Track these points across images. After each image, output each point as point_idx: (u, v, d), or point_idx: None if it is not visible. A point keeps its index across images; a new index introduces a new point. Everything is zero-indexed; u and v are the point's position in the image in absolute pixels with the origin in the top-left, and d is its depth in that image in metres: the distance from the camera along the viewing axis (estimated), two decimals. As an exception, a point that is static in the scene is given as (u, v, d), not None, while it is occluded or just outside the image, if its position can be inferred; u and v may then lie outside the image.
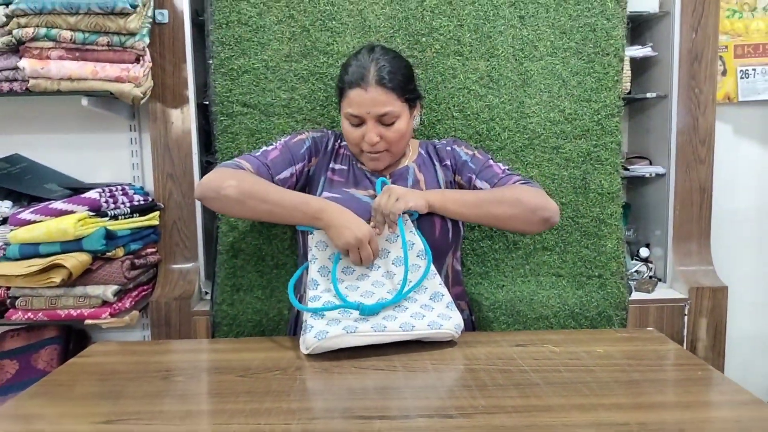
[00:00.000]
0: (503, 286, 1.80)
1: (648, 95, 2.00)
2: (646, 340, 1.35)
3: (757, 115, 2.21)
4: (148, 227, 1.91)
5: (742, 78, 2.15)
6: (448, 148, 1.58)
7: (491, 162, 1.53)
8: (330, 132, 1.59)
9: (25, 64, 1.68)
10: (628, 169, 2.02)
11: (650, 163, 2.09)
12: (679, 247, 2.03)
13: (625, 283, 1.80)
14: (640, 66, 2.10)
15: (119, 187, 1.88)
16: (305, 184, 1.53)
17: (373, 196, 1.46)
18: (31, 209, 1.71)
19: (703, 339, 1.96)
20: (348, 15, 1.75)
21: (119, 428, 0.95)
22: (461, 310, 1.50)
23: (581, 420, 0.94)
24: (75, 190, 1.88)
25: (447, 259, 1.49)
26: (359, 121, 1.43)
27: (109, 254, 1.74)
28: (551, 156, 1.78)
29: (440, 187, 1.52)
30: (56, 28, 1.68)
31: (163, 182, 1.95)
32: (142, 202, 1.91)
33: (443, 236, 1.44)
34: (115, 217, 1.77)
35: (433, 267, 1.36)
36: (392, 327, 1.24)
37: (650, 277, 2.07)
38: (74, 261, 1.66)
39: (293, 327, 1.58)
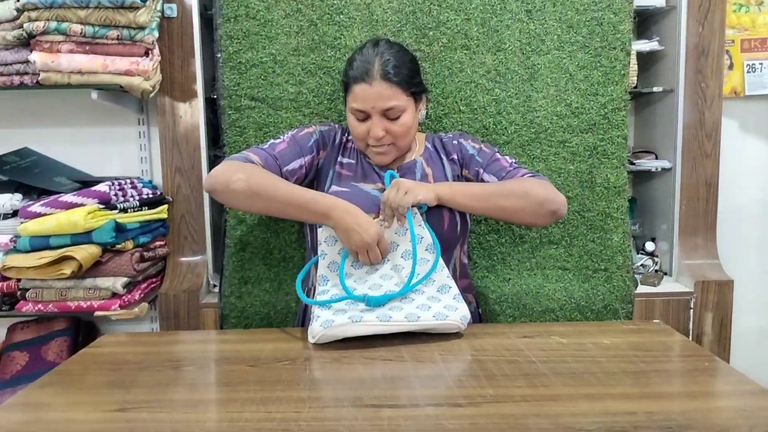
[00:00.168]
0: (509, 279, 1.80)
1: (654, 89, 2.00)
2: (653, 332, 1.36)
3: (763, 109, 2.21)
4: (157, 220, 1.93)
5: (748, 72, 2.15)
6: (455, 142, 1.58)
7: (498, 155, 1.54)
8: (337, 126, 1.60)
9: (36, 57, 1.70)
10: (634, 164, 2.02)
11: (656, 158, 2.09)
12: (685, 241, 2.03)
13: (631, 276, 1.81)
14: (646, 60, 2.10)
15: (128, 181, 1.89)
16: (314, 177, 1.54)
17: (382, 190, 1.47)
18: (42, 202, 1.73)
19: (709, 332, 1.96)
20: (355, 9, 1.76)
21: (132, 416, 0.96)
22: (468, 303, 1.51)
23: (589, 409, 0.95)
24: (84, 183, 1.89)
25: (455, 252, 1.50)
26: (364, 116, 1.43)
27: (118, 247, 1.75)
28: (558, 150, 1.79)
29: (448, 181, 1.53)
30: (66, 21, 1.69)
31: (172, 176, 1.96)
32: (150, 196, 1.93)
33: (451, 229, 1.45)
34: (124, 210, 1.79)
35: (441, 260, 1.37)
36: (397, 317, 1.25)
37: (656, 270, 2.07)
38: (84, 253, 1.67)
39: (301, 319, 1.59)
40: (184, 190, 1.96)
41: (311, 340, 1.26)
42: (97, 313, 1.74)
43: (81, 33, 1.70)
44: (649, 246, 2.12)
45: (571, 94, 1.78)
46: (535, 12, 1.77)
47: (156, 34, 1.81)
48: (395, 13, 1.77)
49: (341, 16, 1.76)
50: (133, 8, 1.72)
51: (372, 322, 1.24)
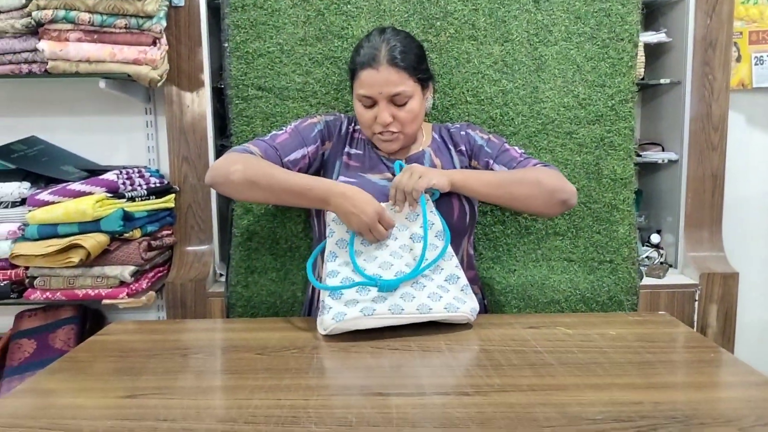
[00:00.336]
0: (515, 270, 1.81)
1: (662, 81, 2.00)
2: (658, 323, 1.36)
3: (771, 101, 2.21)
4: (164, 209, 1.93)
5: (756, 64, 2.14)
6: (462, 133, 1.58)
7: (507, 146, 1.54)
8: (343, 115, 1.59)
9: (45, 45, 1.70)
10: (640, 155, 2.02)
11: (663, 150, 2.09)
12: (690, 234, 2.03)
13: (636, 268, 1.81)
14: (653, 52, 2.09)
15: (136, 170, 1.90)
16: (320, 167, 1.53)
17: (389, 180, 1.47)
18: (50, 190, 1.74)
19: (713, 325, 1.97)
20: (363, -2, 1.76)
21: (141, 402, 0.97)
22: (474, 294, 1.52)
23: (596, 398, 0.95)
24: (91, 172, 1.90)
25: (463, 243, 1.51)
26: (371, 102, 1.43)
27: (126, 235, 1.76)
28: (564, 141, 1.79)
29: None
30: (75, 10, 1.69)
31: (179, 165, 1.96)
32: (158, 185, 1.93)
33: (461, 219, 1.45)
34: (132, 199, 1.79)
35: (450, 248, 1.37)
36: (409, 309, 1.25)
37: (661, 262, 2.08)
38: (92, 241, 1.68)
39: (308, 309, 1.59)
40: (191, 180, 1.97)
41: (322, 332, 1.26)
42: (105, 302, 1.75)
43: (89, 22, 1.71)
44: (655, 238, 2.12)
45: (579, 86, 1.78)
46: (543, 3, 1.77)
47: (164, 23, 1.81)
48: (402, 3, 1.76)
49: (348, 6, 1.76)
50: (141, -3, 1.73)
51: (384, 315, 1.25)
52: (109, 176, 1.78)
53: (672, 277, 1.99)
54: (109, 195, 1.74)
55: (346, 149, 1.53)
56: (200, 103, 1.93)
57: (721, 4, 1.97)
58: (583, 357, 1.13)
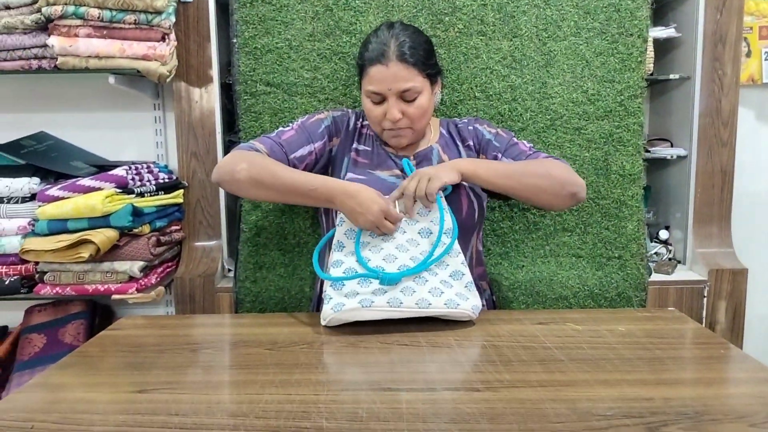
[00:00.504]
0: (523, 266, 1.81)
1: (671, 77, 1.99)
2: (668, 319, 1.36)
3: (781, 97, 2.19)
4: (173, 205, 1.94)
5: (766, 60, 2.13)
6: (470, 128, 1.57)
7: (516, 140, 1.53)
8: (350, 111, 1.59)
9: (54, 41, 1.70)
10: (649, 151, 2.01)
11: (671, 145, 2.08)
12: (699, 230, 2.03)
13: (645, 264, 1.81)
14: (663, 47, 2.08)
15: (145, 165, 1.90)
16: (327, 163, 1.53)
17: (398, 176, 1.47)
18: (59, 186, 1.74)
19: (722, 321, 1.96)
20: (371, -6, 1.76)
21: (152, 397, 0.98)
22: (482, 290, 1.52)
23: (606, 394, 0.95)
24: (100, 167, 1.91)
25: (472, 240, 1.50)
26: (381, 98, 1.42)
27: (135, 231, 1.76)
28: (573, 137, 1.78)
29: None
30: (84, 5, 1.69)
31: (187, 161, 1.97)
32: (166, 180, 1.94)
33: (470, 216, 1.45)
34: (141, 195, 1.80)
35: (457, 245, 1.36)
36: (408, 303, 1.25)
37: (670, 259, 2.07)
38: (102, 237, 1.68)
39: (316, 305, 1.60)
40: (199, 175, 1.97)
41: (322, 322, 1.28)
42: (114, 297, 1.76)
43: (98, 17, 1.71)
44: (663, 234, 2.11)
45: (588, 81, 1.78)
46: (552, -2, 1.77)
47: (173, 18, 1.81)
48: (411, -2, 1.76)
49: (357, 2, 1.76)
50: (150, -7, 1.73)
51: (382, 307, 1.25)
52: (119, 172, 1.78)
53: (680, 273, 1.99)
54: (119, 190, 1.75)
55: (354, 145, 1.53)
56: (209, 98, 1.94)
57: (731, -1, 1.95)
58: (592, 353, 1.13)
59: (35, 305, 2.05)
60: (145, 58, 1.78)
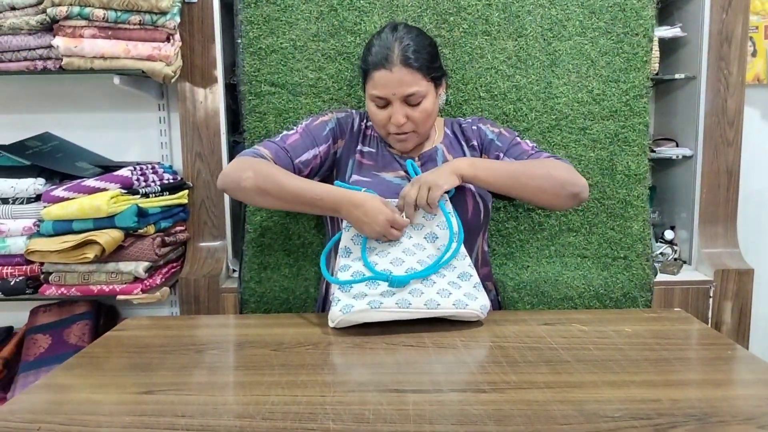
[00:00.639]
0: (528, 266, 1.80)
1: (676, 76, 1.98)
2: (674, 320, 1.35)
3: (786, 97, 2.19)
4: (178, 205, 1.94)
5: (772, 59, 2.12)
6: (474, 127, 1.57)
7: (519, 139, 1.53)
8: (354, 112, 1.58)
9: (60, 42, 1.70)
10: (654, 151, 2.01)
11: (677, 145, 2.07)
12: (705, 230, 2.02)
13: (650, 264, 1.81)
14: (668, 46, 2.07)
15: (149, 166, 1.90)
16: (332, 166, 1.53)
17: (403, 178, 1.46)
18: (64, 186, 1.74)
19: (728, 321, 1.96)
20: (376, -6, 1.75)
21: (158, 398, 0.98)
22: (488, 291, 1.52)
23: (613, 396, 0.95)
24: (105, 168, 1.91)
25: (477, 241, 1.50)
26: (385, 103, 1.42)
27: (140, 231, 1.76)
28: (578, 137, 1.78)
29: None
30: (89, 6, 1.69)
31: (192, 161, 1.97)
32: (171, 181, 1.94)
33: (475, 216, 1.44)
34: (146, 195, 1.80)
35: (463, 248, 1.36)
36: (417, 304, 1.25)
37: (675, 259, 2.06)
38: (107, 237, 1.68)
39: (321, 305, 1.60)
40: (204, 176, 1.97)
41: (330, 324, 1.27)
42: (120, 297, 1.76)
43: (103, 18, 1.71)
44: (669, 234, 2.11)
45: (593, 81, 1.77)
46: (557, -3, 1.76)
47: (177, 19, 1.81)
48: (416, -2, 1.76)
49: (361, 2, 1.75)
50: (155, -7, 1.73)
51: (391, 308, 1.25)
52: (123, 172, 1.78)
53: (686, 274, 1.98)
54: (124, 191, 1.75)
55: (359, 147, 1.53)
56: (213, 99, 1.93)
57: (737, -2, 1.95)
58: (599, 354, 1.13)
59: (40, 306, 2.05)
60: (149, 58, 1.78)
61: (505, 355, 1.13)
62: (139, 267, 1.75)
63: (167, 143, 2.09)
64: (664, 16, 2.13)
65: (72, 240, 1.71)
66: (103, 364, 1.14)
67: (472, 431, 0.85)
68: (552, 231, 1.81)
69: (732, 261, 1.98)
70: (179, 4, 1.83)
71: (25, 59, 1.78)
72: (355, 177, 1.47)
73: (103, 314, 2.07)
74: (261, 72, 1.76)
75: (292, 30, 1.76)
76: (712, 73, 1.97)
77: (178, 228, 1.96)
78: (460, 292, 1.29)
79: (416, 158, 1.51)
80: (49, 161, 1.88)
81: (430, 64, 1.42)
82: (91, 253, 1.69)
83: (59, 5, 1.69)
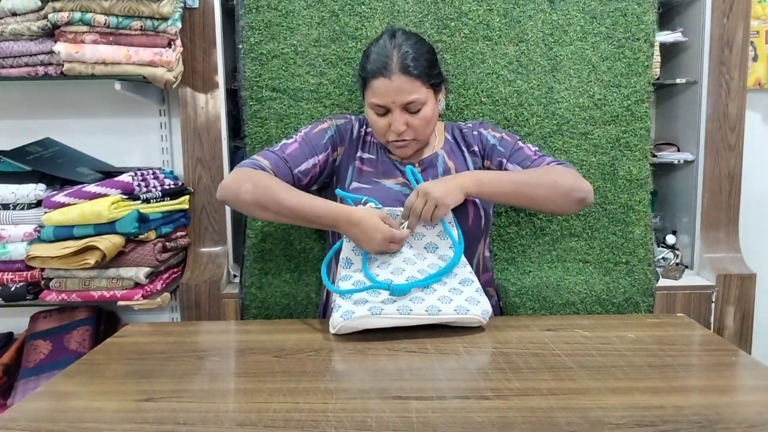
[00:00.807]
0: (530, 272, 1.80)
1: (677, 81, 1.98)
2: (677, 325, 1.35)
3: (788, 101, 2.18)
4: (179, 211, 1.93)
5: (773, 64, 2.12)
6: (475, 132, 1.56)
7: (521, 144, 1.52)
8: (354, 118, 1.57)
9: (61, 48, 1.70)
10: (656, 156, 2.00)
11: (678, 150, 2.07)
12: (707, 235, 2.01)
13: (652, 269, 1.80)
14: (669, 51, 2.07)
15: (150, 171, 1.90)
16: (331, 173, 1.52)
17: (403, 185, 1.46)
18: (65, 192, 1.74)
19: (730, 326, 1.95)
20: None
21: (160, 406, 0.97)
22: (490, 296, 1.51)
23: (617, 403, 0.94)
24: (106, 173, 1.91)
25: (479, 247, 1.50)
26: (385, 111, 1.41)
27: (141, 237, 1.76)
28: (580, 142, 1.78)
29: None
30: (90, 12, 1.70)
31: (193, 167, 1.96)
32: (172, 186, 1.93)
33: (476, 224, 1.44)
34: (146, 201, 1.80)
35: (463, 258, 1.37)
36: (418, 310, 1.25)
37: (677, 264, 2.06)
38: (108, 243, 1.68)
39: (323, 310, 1.59)
40: (205, 181, 1.97)
41: (332, 330, 1.27)
42: (120, 303, 1.75)
43: (105, 23, 1.71)
44: (670, 239, 2.10)
45: (594, 86, 1.77)
46: (558, 2, 1.76)
47: (179, 24, 1.81)
48: (417, 3, 1.76)
49: (362, 7, 1.75)
50: (156, -1, 1.73)
51: (392, 315, 1.25)
52: (124, 178, 1.78)
53: (688, 279, 1.98)
54: (125, 197, 1.75)
55: (359, 154, 1.52)
56: (214, 104, 1.93)
57: (737, 3, 1.94)
58: (602, 360, 1.12)
59: (41, 311, 2.05)
60: (151, 64, 1.78)
61: (508, 361, 1.12)
62: (140, 273, 1.75)
63: (168, 149, 2.09)
64: (665, 21, 2.13)
65: (73, 246, 1.70)
66: (104, 371, 1.14)
67: (476, 439, 0.85)
68: (554, 236, 1.80)
69: (734, 266, 1.97)
70: (180, 10, 1.83)
71: (27, 65, 1.78)
72: (355, 184, 1.46)
73: (104, 320, 2.07)
74: (262, 77, 1.76)
75: (294, 35, 1.76)
76: (713, 77, 1.97)
77: (179, 233, 1.95)
78: (462, 297, 1.29)
79: (416, 164, 1.50)
80: (50, 167, 1.87)
81: (429, 70, 1.41)
82: (91, 259, 1.69)
83: (60, 11, 1.69)
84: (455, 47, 1.77)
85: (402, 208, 1.36)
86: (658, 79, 1.94)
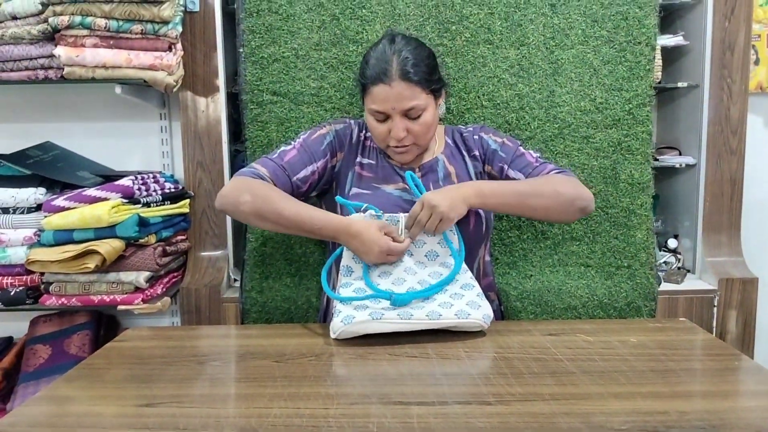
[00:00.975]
0: (531, 276, 1.79)
1: (679, 85, 1.98)
2: (679, 329, 1.34)
3: (789, 105, 2.18)
4: (179, 215, 1.93)
5: (775, 67, 2.12)
6: (476, 137, 1.55)
7: (522, 149, 1.52)
8: (353, 122, 1.56)
9: (61, 51, 1.70)
10: (657, 160, 2.00)
11: (680, 154, 2.07)
12: (708, 238, 2.01)
13: (654, 273, 1.79)
14: (671, 55, 2.07)
15: (151, 175, 1.90)
16: (331, 179, 1.51)
17: (403, 190, 1.45)
18: (65, 196, 1.74)
19: (732, 331, 1.94)
20: (378, 3, 1.75)
21: (160, 411, 0.97)
22: (491, 301, 1.50)
23: (620, 408, 0.94)
24: (106, 177, 1.90)
25: (479, 252, 1.49)
26: (384, 117, 1.40)
27: (141, 241, 1.76)
28: (581, 146, 1.77)
29: (471, 179, 1.50)
30: (91, 16, 1.70)
31: (193, 170, 1.96)
32: (172, 190, 1.93)
33: (477, 229, 1.43)
34: (147, 205, 1.79)
35: (464, 264, 1.37)
36: (419, 315, 1.25)
37: (679, 268, 2.05)
38: (108, 247, 1.68)
39: (323, 315, 1.59)
40: (205, 185, 1.96)
41: (332, 335, 1.26)
42: (120, 307, 1.75)
43: (105, 27, 1.71)
44: (672, 243, 2.10)
45: (596, 90, 1.77)
46: (559, 6, 1.76)
47: (179, 28, 1.81)
48: (418, 7, 1.76)
49: (363, 11, 1.75)
50: (157, 3, 1.73)
51: (392, 320, 1.24)
52: (125, 182, 1.78)
53: (690, 283, 1.97)
54: (125, 201, 1.74)
55: (358, 159, 1.51)
56: (215, 108, 1.93)
57: (739, 6, 1.94)
58: (604, 365, 1.12)
59: (40, 316, 2.04)
60: (151, 67, 1.78)
61: (510, 366, 1.12)
62: (140, 277, 1.74)
63: (169, 152, 2.09)
64: (666, 25, 2.13)
65: (73, 250, 1.70)
66: (104, 375, 1.13)
67: (478, 444, 0.84)
68: (555, 240, 1.79)
69: (736, 270, 1.97)
70: (181, 14, 1.83)
71: (27, 69, 1.78)
72: (354, 190, 1.46)
73: (104, 324, 2.06)
74: (263, 81, 1.76)
75: (294, 39, 1.76)
76: (714, 81, 1.97)
77: (180, 237, 1.95)
78: (462, 301, 1.29)
79: (416, 169, 1.49)
80: (50, 170, 1.87)
81: (430, 76, 1.40)
82: (91, 263, 1.68)
83: (61, 15, 1.69)
84: (456, 51, 1.76)
85: (402, 214, 1.36)
86: (659, 82, 1.94)
